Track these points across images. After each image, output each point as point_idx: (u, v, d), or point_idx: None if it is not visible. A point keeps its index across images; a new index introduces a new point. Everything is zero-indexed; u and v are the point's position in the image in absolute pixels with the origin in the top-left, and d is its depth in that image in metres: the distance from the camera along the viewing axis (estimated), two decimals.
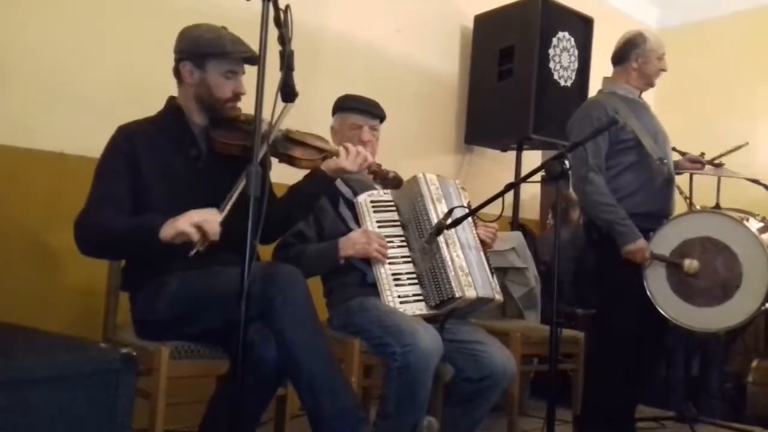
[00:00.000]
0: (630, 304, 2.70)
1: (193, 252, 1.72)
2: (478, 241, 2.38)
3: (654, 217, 2.73)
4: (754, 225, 2.76)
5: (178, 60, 2.01)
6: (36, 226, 2.41)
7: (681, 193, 2.94)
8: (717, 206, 3.22)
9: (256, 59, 1.93)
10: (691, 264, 2.62)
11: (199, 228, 1.71)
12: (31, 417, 1.10)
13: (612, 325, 2.74)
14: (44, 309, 2.31)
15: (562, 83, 3.80)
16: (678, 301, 2.66)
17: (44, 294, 2.37)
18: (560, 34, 3.78)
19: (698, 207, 3.28)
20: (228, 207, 1.76)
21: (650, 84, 2.90)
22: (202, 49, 1.98)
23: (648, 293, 2.70)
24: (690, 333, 2.74)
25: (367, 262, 2.27)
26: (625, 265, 2.68)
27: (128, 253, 1.98)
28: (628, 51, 2.86)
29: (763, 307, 2.54)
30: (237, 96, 2.03)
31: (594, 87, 3.27)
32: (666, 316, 2.68)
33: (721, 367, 3.95)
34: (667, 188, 2.82)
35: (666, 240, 2.69)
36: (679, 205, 3.04)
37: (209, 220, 1.72)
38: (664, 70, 2.89)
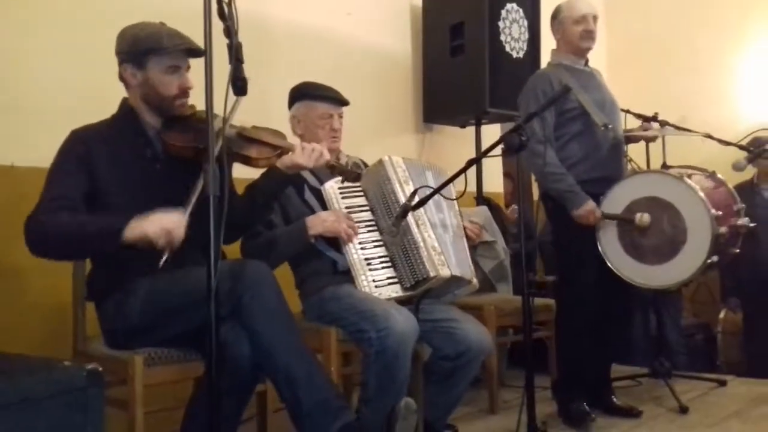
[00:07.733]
0: (587, 268, 2.75)
1: (162, 262, 1.69)
2: (461, 226, 2.39)
3: (604, 182, 2.77)
4: (702, 180, 2.81)
5: (120, 63, 1.96)
6: None
7: (626, 156, 2.98)
8: (664, 165, 3.26)
9: (198, 50, 1.89)
10: (642, 217, 2.65)
11: (166, 234, 1.69)
12: None
13: (573, 290, 2.79)
14: (9, 329, 2.25)
15: (515, 55, 3.81)
16: (631, 261, 2.71)
17: (8, 313, 2.30)
18: (509, 6, 3.78)
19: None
20: (190, 207, 1.73)
21: (580, 48, 2.85)
22: (140, 48, 1.92)
23: (602, 255, 2.75)
24: (647, 290, 2.78)
25: (336, 245, 2.26)
26: (580, 230, 2.73)
27: (86, 254, 1.92)
28: (552, 26, 2.95)
29: (708, 260, 2.60)
30: (184, 92, 1.97)
31: (546, 56, 3.29)
32: (621, 276, 2.73)
33: (679, 320, 4.04)
34: (615, 153, 2.86)
35: (614, 202, 2.73)
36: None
37: (177, 226, 1.70)
38: (588, 31, 2.84)
